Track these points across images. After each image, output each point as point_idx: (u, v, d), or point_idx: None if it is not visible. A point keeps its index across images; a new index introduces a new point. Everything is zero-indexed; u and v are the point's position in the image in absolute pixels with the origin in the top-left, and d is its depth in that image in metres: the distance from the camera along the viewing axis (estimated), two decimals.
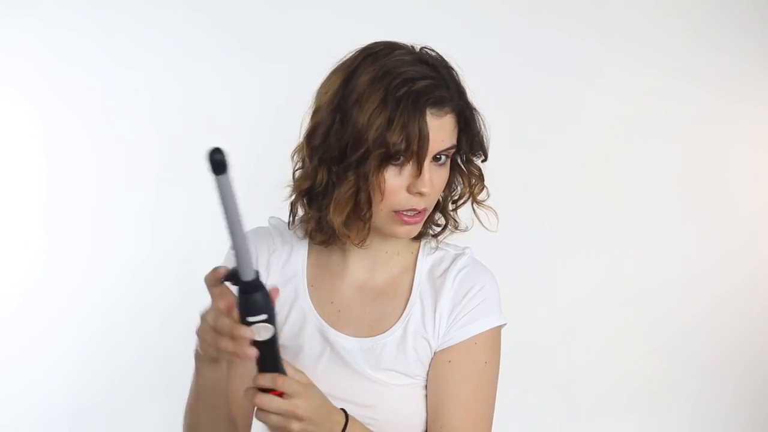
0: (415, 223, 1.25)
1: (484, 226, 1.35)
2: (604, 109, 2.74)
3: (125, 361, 2.46)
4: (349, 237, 1.27)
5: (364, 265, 1.34)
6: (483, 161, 1.32)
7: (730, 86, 2.80)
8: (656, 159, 2.78)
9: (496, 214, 1.34)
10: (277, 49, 2.48)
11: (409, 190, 1.22)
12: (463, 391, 1.29)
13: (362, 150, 1.18)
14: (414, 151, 1.18)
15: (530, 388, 2.75)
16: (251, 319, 1.04)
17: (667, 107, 2.77)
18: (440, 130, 1.21)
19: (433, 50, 1.26)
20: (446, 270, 1.34)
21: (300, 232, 1.35)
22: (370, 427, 1.26)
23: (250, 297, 1.03)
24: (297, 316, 1.33)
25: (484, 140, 1.29)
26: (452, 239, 1.39)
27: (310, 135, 1.25)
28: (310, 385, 1.14)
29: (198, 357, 1.21)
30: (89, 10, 2.40)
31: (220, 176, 0.95)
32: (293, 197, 1.31)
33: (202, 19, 2.47)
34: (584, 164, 2.74)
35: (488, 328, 1.32)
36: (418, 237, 1.34)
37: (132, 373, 2.46)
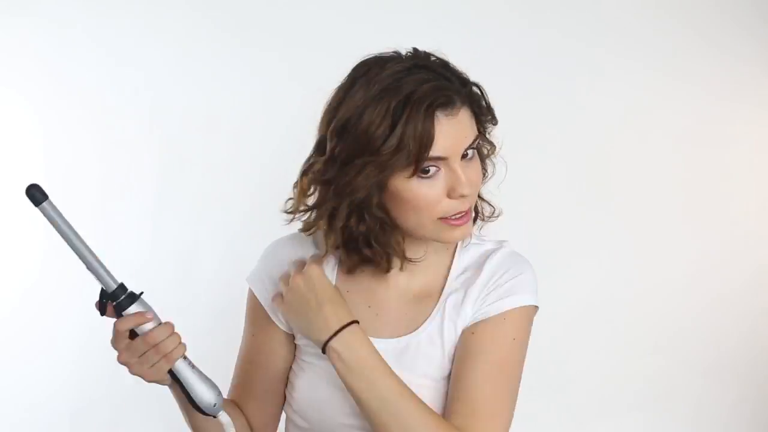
0: (465, 223, 1.22)
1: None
2: (604, 110, 2.74)
3: None
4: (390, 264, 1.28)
5: (402, 269, 1.31)
6: (494, 124, 1.29)
7: (730, 87, 2.80)
8: (656, 159, 2.78)
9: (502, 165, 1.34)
10: (278, 49, 2.48)
11: (449, 195, 1.19)
12: (487, 361, 1.25)
13: (384, 172, 1.15)
14: (414, 155, 1.14)
15: (530, 388, 2.73)
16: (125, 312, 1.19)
17: (667, 108, 2.77)
18: (460, 127, 1.17)
19: (417, 50, 1.23)
20: (484, 263, 1.32)
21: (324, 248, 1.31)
22: None
23: (121, 302, 1.20)
24: None
25: (493, 116, 1.27)
26: (484, 231, 1.38)
27: (318, 172, 1.21)
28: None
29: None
30: (89, 9, 2.40)
31: (42, 206, 1.20)
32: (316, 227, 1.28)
33: (203, 19, 2.47)
34: (584, 165, 2.74)
35: (519, 305, 1.28)
36: None
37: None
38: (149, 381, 1.25)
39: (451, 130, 1.16)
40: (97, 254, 1.18)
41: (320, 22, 2.49)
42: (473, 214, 1.27)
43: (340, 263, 1.32)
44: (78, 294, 2.46)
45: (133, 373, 1.24)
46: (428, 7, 2.59)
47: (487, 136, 1.28)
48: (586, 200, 2.74)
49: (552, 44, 2.67)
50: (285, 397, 1.37)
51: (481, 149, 1.26)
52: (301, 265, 1.28)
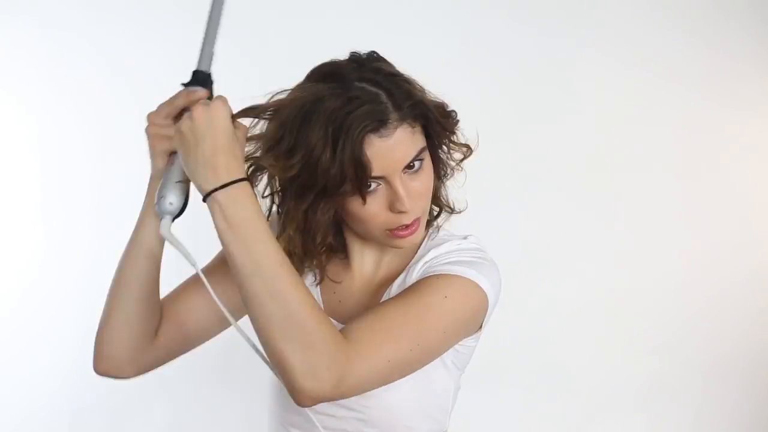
0: (411, 233, 1.24)
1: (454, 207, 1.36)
2: (603, 109, 2.74)
3: None
4: (326, 268, 1.30)
5: (372, 260, 1.35)
6: (452, 135, 1.29)
7: (728, 86, 2.81)
8: (656, 160, 2.79)
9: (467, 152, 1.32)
10: (277, 49, 2.48)
11: (390, 209, 1.21)
12: (408, 296, 1.20)
13: (308, 188, 1.19)
14: (356, 183, 1.17)
15: (531, 388, 2.76)
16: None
17: (666, 107, 2.77)
18: (396, 147, 1.18)
19: (374, 55, 1.24)
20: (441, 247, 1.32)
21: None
22: (361, 415, 1.26)
23: (205, 83, 1.22)
24: None
25: (448, 122, 1.27)
26: (447, 224, 1.38)
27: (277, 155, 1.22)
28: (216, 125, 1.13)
29: (144, 209, 1.31)
30: (86, 10, 2.40)
31: None
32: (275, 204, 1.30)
33: (200, 21, 2.46)
34: (584, 166, 2.74)
35: (464, 276, 1.23)
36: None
37: None
38: (152, 148, 1.27)
39: (386, 151, 1.18)
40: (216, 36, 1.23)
41: (320, 22, 2.50)
42: (423, 222, 1.27)
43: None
44: (77, 294, 2.46)
45: (148, 132, 1.27)
46: (424, 6, 2.59)
47: (460, 138, 1.30)
48: (586, 201, 2.74)
49: (549, 45, 2.68)
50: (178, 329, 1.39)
51: (435, 154, 1.28)
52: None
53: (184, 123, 1.13)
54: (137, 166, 2.51)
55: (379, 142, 1.17)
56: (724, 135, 2.83)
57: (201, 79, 1.23)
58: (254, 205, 1.11)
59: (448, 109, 1.28)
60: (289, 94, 1.23)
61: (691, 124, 2.80)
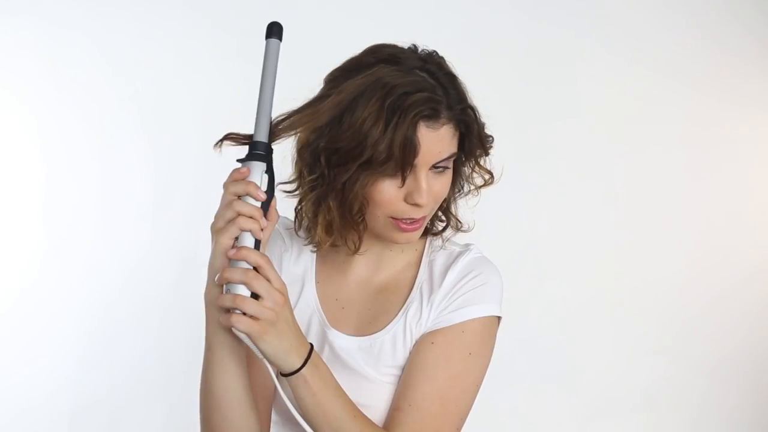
0: (413, 230, 1.26)
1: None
2: (604, 108, 2.74)
3: (124, 361, 2.46)
4: (336, 245, 1.28)
5: (368, 263, 1.36)
6: (484, 156, 1.31)
7: (730, 85, 2.80)
8: (656, 161, 2.78)
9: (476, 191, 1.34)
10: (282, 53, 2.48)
11: (406, 199, 1.23)
12: (440, 375, 1.26)
13: (351, 159, 1.19)
14: (400, 163, 1.19)
15: (533, 388, 2.75)
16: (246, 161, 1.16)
17: (667, 106, 2.77)
18: (437, 141, 1.21)
19: (436, 53, 1.27)
20: (450, 266, 1.33)
21: (303, 236, 1.35)
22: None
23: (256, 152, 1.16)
24: (304, 313, 1.34)
25: (485, 140, 1.29)
26: (455, 238, 1.38)
27: (308, 138, 1.24)
28: (287, 300, 1.15)
29: (210, 328, 1.18)
30: (88, 9, 2.40)
31: (270, 41, 1.22)
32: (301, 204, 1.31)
33: (202, 20, 2.46)
34: (586, 165, 2.74)
35: (480, 316, 1.28)
36: (424, 234, 1.35)
37: (131, 373, 2.46)
38: (209, 315, 1.18)
39: (427, 142, 1.20)
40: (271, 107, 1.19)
41: (321, 23, 2.49)
42: (425, 223, 1.29)
43: (317, 253, 1.37)
44: (77, 294, 2.46)
45: (207, 298, 1.18)
46: (427, 8, 2.59)
47: (485, 164, 1.32)
48: (587, 202, 2.74)
49: (552, 45, 2.68)
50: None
51: (459, 167, 1.30)
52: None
53: (270, 312, 1.13)
54: (138, 165, 2.52)
55: (426, 131, 1.19)
56: (724, 135, 2.83)
57: (258, 150, 1.18)
58: (327, 367, 1.21)
59: (488, 132, 1.30)
60: (346, 66, 1.25)
61: (692, 123, 2.80)
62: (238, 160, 1.19)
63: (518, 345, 2.67)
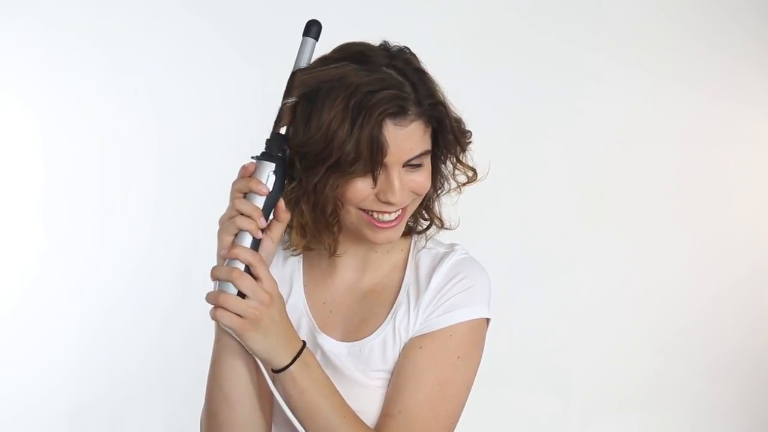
0: (390, 228, 1.24)
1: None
2: (604, 111, 2.74)
3: (124, 361, 2.46)
4: (310, 249, 1.28)
5: (354, 265, 1.33)
6: (461, 153, 1.28)
7: (729, 88, 2.81)
8: (656, 162, 2.79)
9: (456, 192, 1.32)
10: (276, 50, 2.48)
11: (378, 196, 1.21)
12: (429, 380, 1.25)
13: (320, 161, 1.17)
14: (369, 162, 1.17)
15: (531, 388, 2.76)
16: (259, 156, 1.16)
17: (666, 109, 2.77)
18: (406, 138, 1.19)
19: (407, 49, 1.25)
20: (435, 267, 1.31)
21: (285, 239, 1.33)
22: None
23: (272, 156, 1.16)
24: (292, 316, 1.31)
25: (460, 136, 1.27)
26: (446, 238, 1.37)
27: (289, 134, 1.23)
28: (277, 296, 1.16)
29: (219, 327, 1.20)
30: (88, 10, 2.40)
31: (306, 39, 1.22)
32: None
33: (202, 21, 2.47)
34: (584, 165, 2.74)
35: (468, 319, 1.27)
36: (408, 233, 1.33)
37: (131, 373, 2.46)
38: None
39: (396, 139, 1.18)
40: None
41: (321, 21, 2.50)
42: (403, 223, 1.27)
43: (304, 255, 1.35)
44: (78, 295, 2.47)
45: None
46: (430, 11, 2.59)
47: (467, 161, 1.29)
48: (587, 203, 2.74)
49: (552, 50, 2.68)
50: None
51: (438, 164, 1.28)
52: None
53: (260, 310, 1.15)
54: (140, 167, 2.52)
55: (393, 129, 1.17)
56: (724, 135, 2.83)
57: (269, 148, 1.19)
58: (319, 366, 1.21)
59: (465, 127, 1.27)
60: (314, 65, 1.23)
61: (692, 123, 2.80)
62: (252, 158, 1.19)
63: (516, 345, 2.67)
